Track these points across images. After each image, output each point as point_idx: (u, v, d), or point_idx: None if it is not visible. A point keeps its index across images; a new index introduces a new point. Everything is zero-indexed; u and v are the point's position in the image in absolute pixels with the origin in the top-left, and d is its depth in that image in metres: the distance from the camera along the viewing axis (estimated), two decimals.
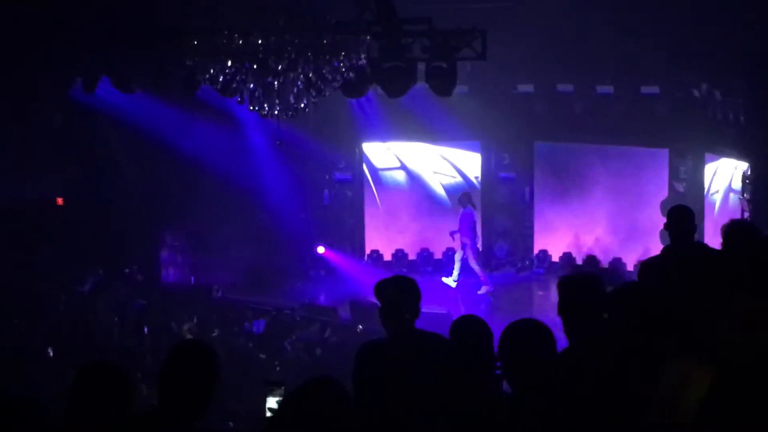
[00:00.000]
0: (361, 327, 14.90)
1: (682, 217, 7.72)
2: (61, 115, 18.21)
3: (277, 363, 13.27)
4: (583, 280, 5.70)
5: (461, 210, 19.14)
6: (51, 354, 13.66)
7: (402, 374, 4.91)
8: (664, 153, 18.98)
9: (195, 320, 14.90)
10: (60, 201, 19.07)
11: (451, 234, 19.34)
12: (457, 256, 19.26)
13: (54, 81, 16.33)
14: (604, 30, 15.99)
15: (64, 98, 16.89)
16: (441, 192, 21.21)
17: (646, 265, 7.33)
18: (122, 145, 18.64)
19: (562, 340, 5.26)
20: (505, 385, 5.42)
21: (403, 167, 21.19)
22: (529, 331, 4.86)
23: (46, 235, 17.64)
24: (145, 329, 14.86)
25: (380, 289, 6.06)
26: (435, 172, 21.18)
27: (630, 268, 18.93)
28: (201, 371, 4.81)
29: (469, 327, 5.50)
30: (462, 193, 19.62)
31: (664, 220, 7.96)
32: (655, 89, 18.01)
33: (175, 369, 4.83)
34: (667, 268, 7.03)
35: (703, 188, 18.30)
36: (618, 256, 19.50)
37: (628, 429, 4.41)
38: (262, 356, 13.63)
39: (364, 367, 4.94)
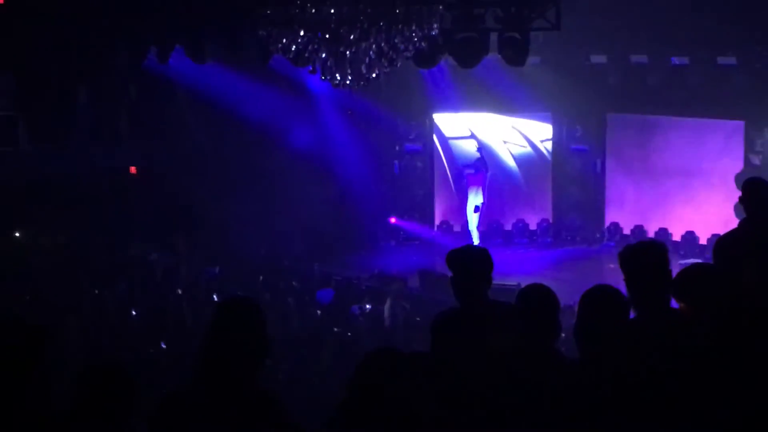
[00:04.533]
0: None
1: (759, 189, 7.55)
2: (136, 85, 18.44)
3: (349, 333, 13.32)
4: (644, 249, 5.61)
5: (485, 171, 19.09)
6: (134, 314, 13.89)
7: (477, 344, 4.94)
8: (740, 125, 18.66)
9: (267, 295, 14.97)
10: (133, 170, 19.36)
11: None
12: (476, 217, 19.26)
13: (129, 51, 16.51)
14: (678, 0, 15.73)
15: (138, 69, 17.08)
16: (512, 163, 21.10)
17: (723, 242, 7.20)
18: (196, 115, 18.82)
19: None
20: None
21: (474, 137, 21.10)
22: (606, 297, 4.90)
23: (120, 202, 17.92)
24: (215, 298, 15.00)
25: (452, 258, 6.05)
26: (506, 143, 21.06)
27: (703, 241, 18.74)
28: (247, 328, 4.70)
29: (536, 295, 5.48)
30: (481, 157, 19.51)
31: (739, 193, 7.82)
32: (731, 60, 17.67)
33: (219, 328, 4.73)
34: (745, 246, 6.89)
35: None
36: (691, 229, 19.25)
37: (694, 406, 4.39)
38: (335, 329, 13.68)
39: (442, 337, 4.98)
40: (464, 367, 4.93)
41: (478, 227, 19.35)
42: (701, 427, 4.31)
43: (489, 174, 19.38)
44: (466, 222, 20.09)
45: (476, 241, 18.98)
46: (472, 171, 19.25)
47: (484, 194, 19.09)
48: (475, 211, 19.16)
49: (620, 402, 4.47)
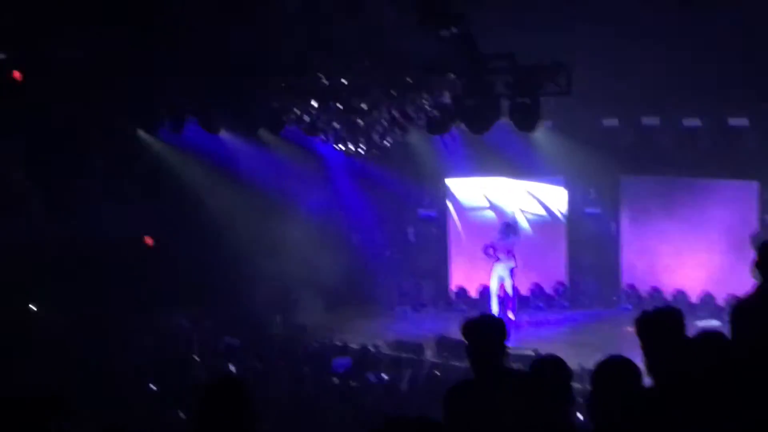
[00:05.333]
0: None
1: None
2: (149, 154, 18.63)
3: (366, 402, 13.25)
4: (660, 317, 5.60)
5: (513, 237, 18.96)
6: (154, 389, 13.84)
7: (493, 415, 4.91)
8: (754, 186, 18.64)
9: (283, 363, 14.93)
10: (149, 240, 19.42)
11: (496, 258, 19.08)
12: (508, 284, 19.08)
13: (144, 122, 16.69)
14: (688, 61, 15.79)
15: (153, 138, 17.26)
16: (527, 227, 21.09)
17: (739, 308, 7.16)
18: (210, 182, 18.95)
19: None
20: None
21: (489, 203, 21.13)
22: (619, 369, 4.88)
23: (135, 271, 17.98)
24: (232, 368, 14.97)
25: (468, 329, 6.04)
26: (521, 208, 21.07)
27: (720, 303, 18.63)
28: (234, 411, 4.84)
29: (550, 366, 5.46)
30: (509, 223, 19.46)
31: (754, 254, 7.78)
32: (743, 121, 17.71)
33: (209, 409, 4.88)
34: (760, 313, 6.86)
35: None
36: (709, 291, 19.16)
37: None
38: (350, 394, 13.64)
39: (456, 409, 4.96)
40: None
41: (513, 291, 19.12)
42: None
43: (518, 239, 19.20)
44: (484, 288, 20.13)
45: (495, 308, 18.84)
46: (500, 236, 19.09)
47: (514, 259, 18.91)
48: (511, 275, 18.96)
49: None
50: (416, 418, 4.31)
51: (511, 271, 18.93)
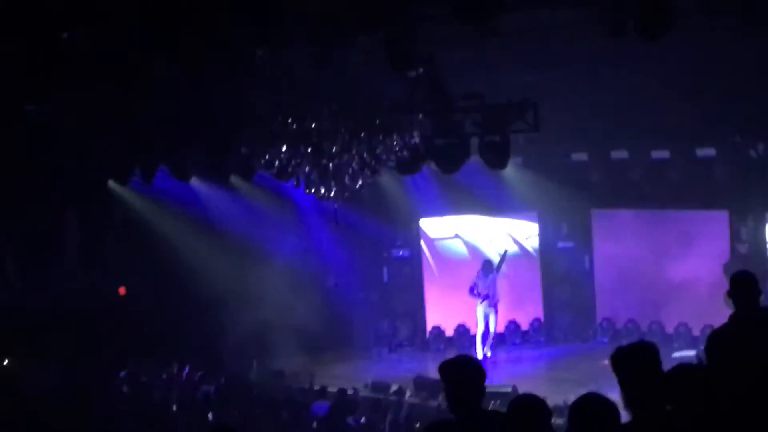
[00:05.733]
0: None
1: (746, 284, 7.56)
2: (122, 207, 18.61)
3: None
4: (634, 352, 5.62)
5: (494, 275, 19.07)
6: None
7: None
8: (724, 215, 18.77)
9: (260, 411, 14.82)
10: (122, 291, 19.35)
11: (484, 296, 19.16)
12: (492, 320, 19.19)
13: (114, 174, 16.65)
14: (656, 95, 15.91)
15: (123, 190, 17.23)
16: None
17: (713, 338, 7.23)
18: (182, 231, 18.89)
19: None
20: None
21: (462, 241, 21.16)
22: (595, 408, 4.88)
23: (110, 325, 17.90)
24: (210, 416, 14.85)
25: (445, 370, 6.03)
26: (493, 244, 21.07)
27: (696, 333, 18.68)
28: None
29: (527, 406, 5.45)
30: (488, 260, 19.55)
31: (727, 283, 7.84)
32: (711, 152, 17.85)
33: None
34: (737, 341, 6.92)
35: (765, 249, 18.06)
36: (685, 321, 19.20)
37: None
38: None
39: None
40: None
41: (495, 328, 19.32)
42: None
43: (497, 276, 19.29)
44: (460, 326, 20.24)
45: (479, 351, 18.94)
46: (481, 275, 19.16)
47: (496, 295, 19.08)
48: (495, 311, 19.10)
49: None
50: None
51: (495, 307, 19.03)
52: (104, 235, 18.63)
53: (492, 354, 19.26)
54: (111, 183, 18.18)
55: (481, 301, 19.05)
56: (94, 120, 14.66)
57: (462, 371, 6.00)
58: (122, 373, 16.95)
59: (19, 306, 17.28)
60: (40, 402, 15.15)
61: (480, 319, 19.17)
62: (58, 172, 15.90)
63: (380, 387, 17.08)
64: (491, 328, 19.20)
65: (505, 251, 20.15)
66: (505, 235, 21.12)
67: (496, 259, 19.89)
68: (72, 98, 13.11)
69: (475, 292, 19.03)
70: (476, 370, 6.01)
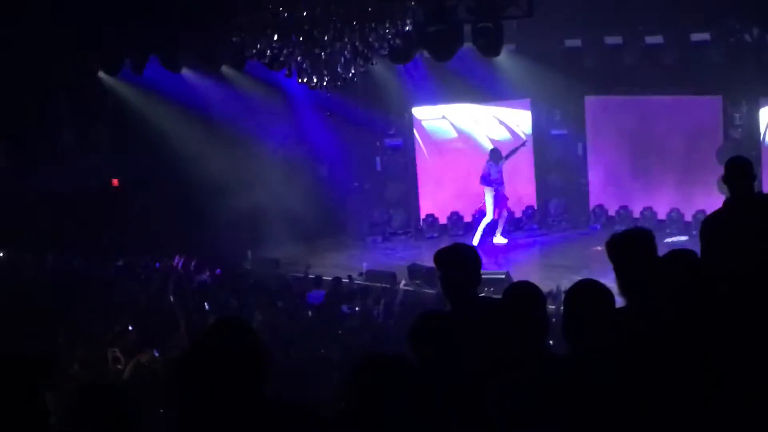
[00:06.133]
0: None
1: (741, 169, 7.51)
2: (113, 97, 18.50)
3: (340, 332, 13.33)
4: (630, 239, 5.66)
5: (502, 162, 19.13)
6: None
7: (468, 344, 4.96)
8: (718, 101, 18.72)
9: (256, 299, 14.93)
10: (115, 182, 19.35)
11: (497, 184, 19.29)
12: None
13: (104, 64, 16.50)
14: None
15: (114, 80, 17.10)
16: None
17: (707, 223, 7.26)
18: (174, 121, 18.81)
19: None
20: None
21: (455, 129, 21.12)
22: (591, 294, 4.93)
23: (105, 216, 17.95)
24: (206, 306, 14.96)
25: (441, 258, 6.06)
26: (487, 133, 21.04)
27: (688, 219, 18.82)
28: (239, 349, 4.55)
29: (521, 293, 5.48)
30: (496, 148, 19.60)
31: (721, 168, 7.84)
32: (705, 36, 17.67)
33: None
34: (731, 226, 6.95)
35: (759, 134, 18.11)
36: (677, 207, 19.31)
37: (689, 393, 4.43)
38: (325, 327, 13.69)
39: (429, 338, 5.00)
40: (454, 369, 4.96)
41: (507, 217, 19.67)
42: (696, 417, 4.35)
43: (504, 163, 19.36)
44: (453, 214, 20.40)
45: (477, 238, 19.11)
46: (491, 164, 19.20)
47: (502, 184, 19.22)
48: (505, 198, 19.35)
49: (612, 397, 4.50)
50: (392, 356, 4.34)
51: (504, 195, 19.20)
52: (97, 122, 18.54)
53: (508, 239, 19.68)
54: (101, 74, 18.05)
55: (494, 190, 19.13)
56: (83, 8, 14.50)
57: (458, 259, 6.04)
58: (119, 262, 17.06)
59: (9, 191, 17.27)
60: (38, 288, 15.25)
61: (489, 207, 19.24)
62: (50, 62, 15.76)
63: (375, 275, 17.23)
64: (504, 214, 19.38)
65: (524, 141, 20.17)
66: (498, 122, 21.05)
67: (488, 146, 19.93)
68: None
69: (490, 179, 19.09)
70: (472, 258, 6.06)
